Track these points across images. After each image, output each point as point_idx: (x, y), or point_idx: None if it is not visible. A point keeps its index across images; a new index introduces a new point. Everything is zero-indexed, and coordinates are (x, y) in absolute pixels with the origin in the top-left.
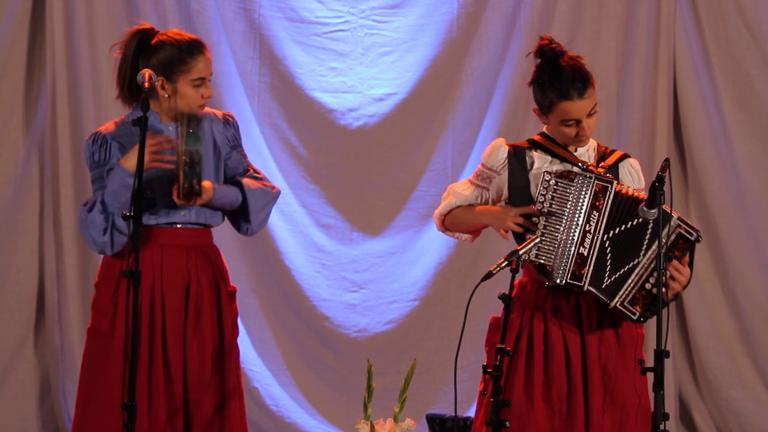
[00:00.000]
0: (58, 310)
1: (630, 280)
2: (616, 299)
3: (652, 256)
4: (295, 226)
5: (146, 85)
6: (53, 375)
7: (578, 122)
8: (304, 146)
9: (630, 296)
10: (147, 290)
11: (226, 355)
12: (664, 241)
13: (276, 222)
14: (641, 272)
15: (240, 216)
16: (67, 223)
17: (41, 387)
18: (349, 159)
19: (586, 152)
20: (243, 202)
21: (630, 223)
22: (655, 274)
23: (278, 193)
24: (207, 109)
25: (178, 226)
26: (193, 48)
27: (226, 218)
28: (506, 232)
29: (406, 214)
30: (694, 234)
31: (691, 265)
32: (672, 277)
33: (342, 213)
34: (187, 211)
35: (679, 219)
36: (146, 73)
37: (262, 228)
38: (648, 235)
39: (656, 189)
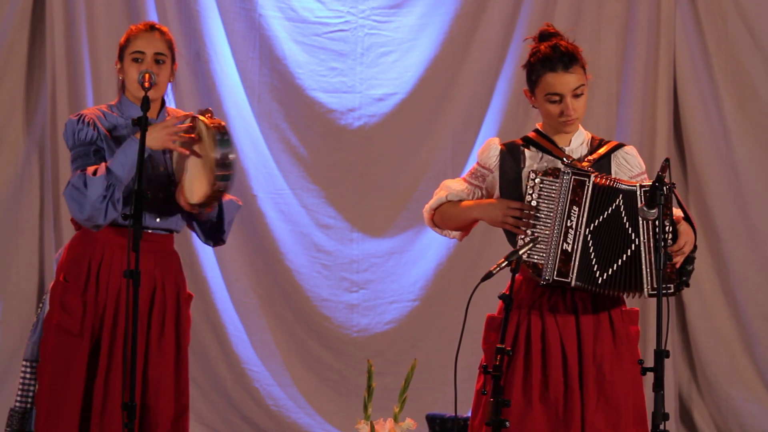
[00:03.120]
0: None
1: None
2: (646, 288)
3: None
4: (295, 227)
5: (146, 84)
6: None
7: (562, 99)
8: (304, 146)
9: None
10: (113, 292)
11: (181, 362)
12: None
13: (276, 222)
14: (647, 255)
15: (213, 226)
16: (67, 223)
17: None
18: (349, 159)
19: (580, 146)
20: (219, 212)
21: (607, 212)
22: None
23: (240, 206)
24: (178, 112)
25: (149, 231)
26: (138, 27)
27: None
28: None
29: (406, 215)
30: (666, 185)
31: (683, 211)
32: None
33: (342, 213)
34: (162, 216)
35: (641, 186)
36: (146, 72)
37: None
38: (626, 221)
39: (656, 189)
